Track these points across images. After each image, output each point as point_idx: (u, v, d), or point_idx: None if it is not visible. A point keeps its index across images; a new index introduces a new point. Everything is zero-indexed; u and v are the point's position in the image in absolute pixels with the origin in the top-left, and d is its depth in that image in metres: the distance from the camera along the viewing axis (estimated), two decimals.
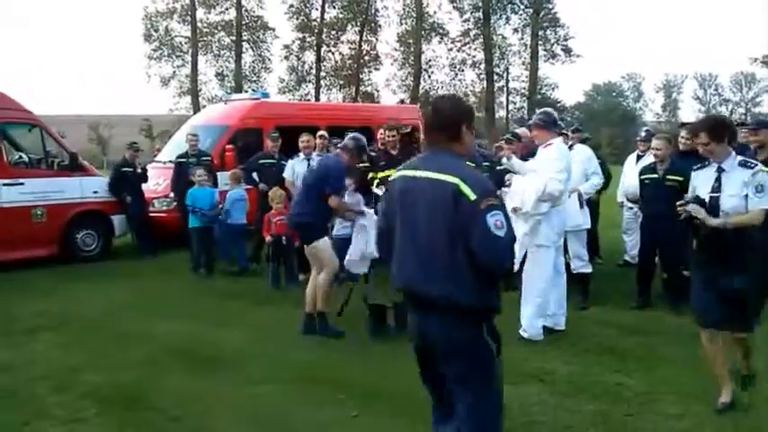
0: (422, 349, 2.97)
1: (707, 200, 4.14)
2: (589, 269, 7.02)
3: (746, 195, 4.06)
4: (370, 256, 6.13)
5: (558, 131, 6.23)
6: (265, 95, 14.64)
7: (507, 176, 6.61)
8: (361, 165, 8.77)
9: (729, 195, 4.09)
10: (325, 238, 6.28)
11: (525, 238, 5.83)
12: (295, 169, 9.04)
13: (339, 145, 6.44)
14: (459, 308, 2.78)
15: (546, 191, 5.73)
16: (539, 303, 5.91)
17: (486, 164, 8.23)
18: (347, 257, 6.31)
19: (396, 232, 2.88)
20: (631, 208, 9.19)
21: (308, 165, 8.93)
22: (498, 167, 7.93)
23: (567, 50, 42.16)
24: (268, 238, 8.24)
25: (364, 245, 6.17)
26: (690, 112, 65.83)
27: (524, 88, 43.61)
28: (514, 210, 5.71)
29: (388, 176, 7.35)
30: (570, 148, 6.84)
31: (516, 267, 6.42)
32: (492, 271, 2.79)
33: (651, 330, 6.04)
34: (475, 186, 2.69)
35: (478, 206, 2.65)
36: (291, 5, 42.68)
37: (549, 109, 6.62)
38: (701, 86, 68.73)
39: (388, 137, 8.53)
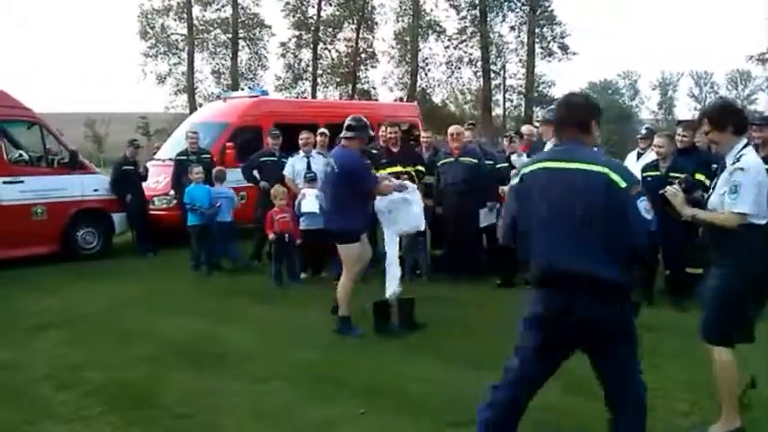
0: (559, 327, 3.18)
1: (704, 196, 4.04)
2: None
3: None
4: (411, 230, 6.50)
5: None
6: (264, 93, 14.64)
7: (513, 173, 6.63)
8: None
9: (717, 193, 3.81)
10: (355, 244, 6.11)
11: None
12: (295, 167, 9.04)
13: (344, 136, 6.27)
14: (613, 286, 3.03)
15: None
16: None
17: (490, 162, 8.25)
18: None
19: (534, 219, 3.14)
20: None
21: (308, 162, 8.93)
22: (500, 165, 7.96)
23: (564, 48, 42.15)
24: (271, 236, 8.22)
25: (404, 220, 6.29)
26: (685, 109, 65.96)
27: (521, 86, 43.57)
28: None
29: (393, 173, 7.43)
30: None
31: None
32: (639, 250, 3.13)
33: (655, 327, 6.01)
34: (623, 175, 3.01)
35: (630, 192, 2.97)
36: (288, 3, 42.58)
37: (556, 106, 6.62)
38: (697, 84, 68.96)
39: (390, 133, 8.55)
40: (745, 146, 3.76)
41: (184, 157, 10.49)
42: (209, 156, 10.80)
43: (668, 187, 4.02)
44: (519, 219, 3.24)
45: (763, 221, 3.69)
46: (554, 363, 3.38)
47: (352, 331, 6.10)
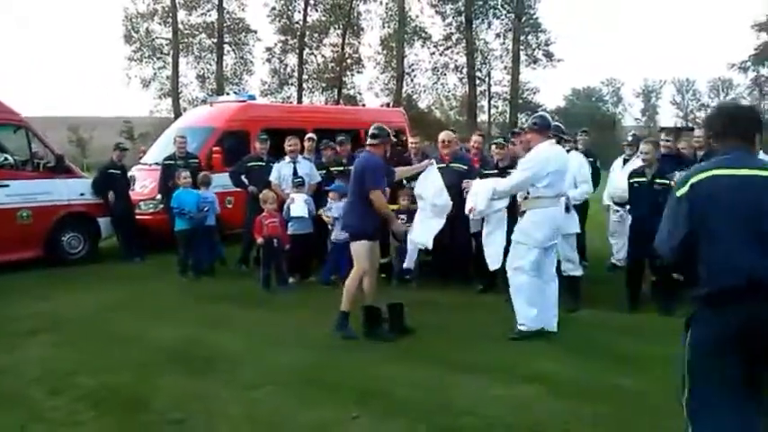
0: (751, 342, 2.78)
1: None
2: (579, 272, 7.11)
3: None
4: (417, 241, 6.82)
5: (553, 135, 6.29)
6: (252, 98, 14.63)
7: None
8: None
9: None
10: (364, 241, 6.21)
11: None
12: (281, 172, 9.06)
13: (369, 143, 6.42)
14: None
15: (497, 189, 6.12)
16: (525, 298, 6.06)
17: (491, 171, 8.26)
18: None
19: (722, 229, 2.88)
20: (617, 211, 9.30)
21: (294, 168, 8.95)
22: (487, 172, 8.00)
23: (549, 55, 42.47)
24: (260, 240, 8.22)
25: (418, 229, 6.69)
26: (668, 116, 66.65)
27: (506, 92, 43.81)
28: (470, 210, 6.23)
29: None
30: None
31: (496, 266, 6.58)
32: None
33: (643, 331, 6.12)
34: None
35: None
36: (273, 8, 42.57)
37: (544, 113, 6.71)
38: (679, 92, 69.61)
39: None
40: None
41: (172, 162, 10.45)
42: (196, 160, 10.77)
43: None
44: (699, 230, 2.91)
45: None
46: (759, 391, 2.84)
47: (347, 330, 6.14)
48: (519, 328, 6.03)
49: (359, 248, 6.24)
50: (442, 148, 8.29)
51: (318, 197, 8.78)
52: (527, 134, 6.30)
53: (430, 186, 6.71)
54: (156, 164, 11.97)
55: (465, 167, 8.17)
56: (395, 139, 8.81)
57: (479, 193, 6.27)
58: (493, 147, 8.01)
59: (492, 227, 6.29)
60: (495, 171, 7.74)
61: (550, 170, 5.96)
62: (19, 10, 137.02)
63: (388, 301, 6.35)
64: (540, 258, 6.09)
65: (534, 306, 6.07)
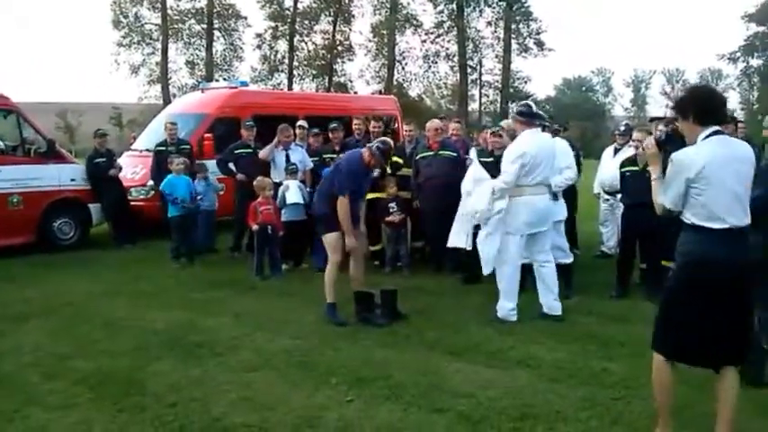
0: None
1: None
2: (570, 259, 7.16)
3: None
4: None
5: (539, 124, 6.33)
6: (244, 84, 14.59)
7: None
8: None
9: None
10: (333, 233, 6.28)
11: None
12: (274, 160, 9.07)
13: (373, 147, 6.33)
14: None
15: (495, 188, 6.13)
16: (503, 288, 6.21)
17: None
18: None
19: None
20: (608, 200, 9.39)
21: (287, 155, 8.97)
22: (484, 160, 8.03)
23: (540, 44, 42.59)
24: (255, 227, 8.23)
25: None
26: (657, 107, 66.97)
27: (497, 81, 43.96)
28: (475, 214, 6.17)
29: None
30: None
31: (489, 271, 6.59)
32: None
33: (632, 318, 6.21)
34: None
35: None
36: None
37: (529, 101, 6.74)
38: (669, 82, 70.01)
39: (374, 127, 8.64)
40: (707, 136, 3.45)
41: (164, 148, 10.44)
42: (188, 146, 10.76)
43: (648, 139, 4.05)
44: None
45: (696, 220, 3.45)
46: None
47: (335, 317, 6.23)
48: (496, 313, 6.23)
49: (329, 240, 6.34)
50: (433, 136, 8.30)
51: (312, 184, 8.80)
52: (514, 123, 6.34)
53: (481, 195, 6.48)
54: (147, 150, 11.96)
55: (454, 154, 8.21)
56: (377, 129, 8.84)
57: (479, 198, 6.31)
58: (489, 135, 8.02)
59: (491, 228, 6.25)
60: (491, 159, 7.77)
61: (529, 159, 6.04)
62: None
63: (381, 288, 6.41)
64: (523, 245, 6.23)
65: (512, 300, 6.23)
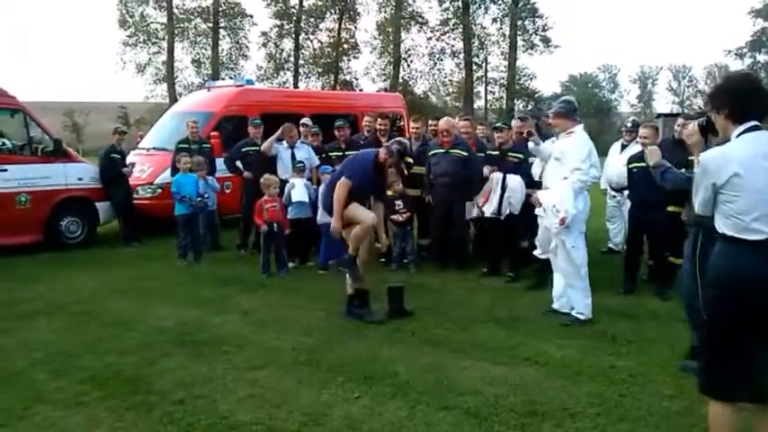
0: None
1: None
2: None
3: None
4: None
5: (578, 120, 6.28)
6: (250, 82, 14.60)
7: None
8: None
9: None
10: (356, 226, 6.10)
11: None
12: (279, 158, 9.08)
13: (392, 147, 6.26)
14: None
15: (575, 188, 5.89)
16: (584, 286, 6.07)
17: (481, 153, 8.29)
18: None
19: None
20: (614, 196, 9.36)
21: (292, 153, 8.98)
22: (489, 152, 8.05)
23: (546, 41, 42.48)
24: (263, 227, 8.21)
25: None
26: (664, 103, 66.72)
27: (503, 78, 43.84)
28: (562, 221, 5.83)
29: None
30: (557, 136, 6.93)
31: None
32: None
33: (639, 315, 6.19)
34: None
35: None
36: None
37: (569, 97, 6.69)
38: (676, 78, 69.58)
39: (381, 125, 8.64)
40: (741, 133, 3.04)
41: (185, 146, 10.43)
42: (209, 145, 10.77)
43: (691, 124, 3.80)
44: None
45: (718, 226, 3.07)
46: None
47: (346, 263, 6.16)
48: (577, 316, 6.04)
49: (349, 214, 6.11)
50: (443, 136, 8.28)
51: (317, 182, 8.81)
52: (553, 119, 6.27)
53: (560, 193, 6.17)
54: (155, 149, 11.99)
55: (465, 153, 8.19)
56: (384, 127, 8.87)
57: (560, 200, 5.95)
58: (494, 131, 8.02)
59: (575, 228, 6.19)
60: (498, 153, 7.78)
61: (593, 155, 6.06)
62: None
63: (388, 285, 6.40)
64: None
65: (589, 296, 6.11)
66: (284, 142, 9.17)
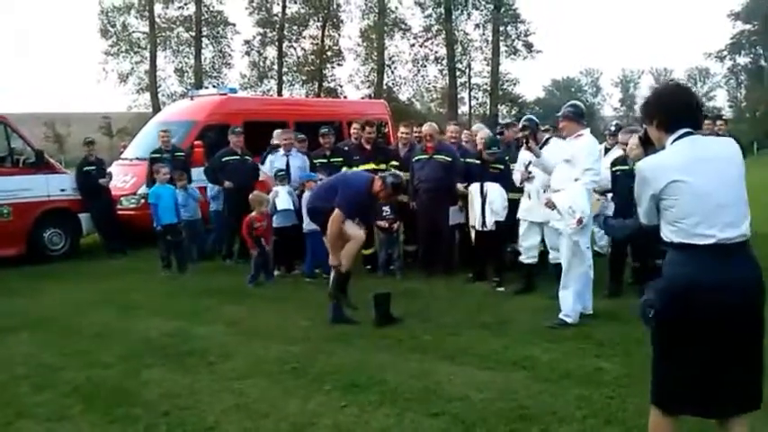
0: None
1: None
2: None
3: None
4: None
5: (585, 124, 6.35)
6: (233, 91, 14.56)
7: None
8: (334, 160, 8.85)
9: None
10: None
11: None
12: (273, 165, 9.04)
13: (387, 180, 6.28)
14: None
15: (587, 189, 5.97)
16: (579, 289, 6.13)
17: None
18: None
19: None
20: (599, 199, 9.39)
21: (287, 161, 8.96)
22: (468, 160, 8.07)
23: (528, 46, 42.71)
24: (255, 252, 8.18)
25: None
26: None
27: (486, 84, 44.01)
28: (580, 221, 5.83)
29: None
30: (546, 142, 6.96)
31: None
32: None
33: (625, 317, 6.19)
34: None
35: None
36: (252, 1, 42.38)
37: (577, 102, 6.76)
38: (657, 81, 70.18)
39: (368, 133, 8.64)
40: (675, 140, 2.95)
41: (158, 156, 10.38)
42: (182, 154, 10.73)
43: (632, 138, 3.79)
44: None
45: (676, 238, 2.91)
46: None
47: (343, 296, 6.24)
48: (564, 318, 6.09)
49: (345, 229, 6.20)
50: (426, 142, 8.29)
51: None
52: (562, 122, 6.32)
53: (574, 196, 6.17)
54: (138, 159, 11.92)
55: (449, 159, 8.20)
56: (371, 135, 8.87)
57: (576, 200, 5.97)
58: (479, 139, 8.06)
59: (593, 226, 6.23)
60: (478, 161, 7.80)
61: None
62: None
63: (374, 292, 6.38)
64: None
65: (581, 301, 6.19)
66: (280, 150, 9.14)
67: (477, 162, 7.82)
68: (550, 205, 6.23)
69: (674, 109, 2.99)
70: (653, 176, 2.91)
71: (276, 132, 9.74)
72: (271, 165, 9.04)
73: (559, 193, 6.18)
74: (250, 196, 8.34)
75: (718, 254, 2.80)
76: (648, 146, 3.31)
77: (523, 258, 7.27)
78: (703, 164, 2.86)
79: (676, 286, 2.86)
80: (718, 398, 2.88)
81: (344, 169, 8.28)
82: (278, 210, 8.34)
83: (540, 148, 6.78)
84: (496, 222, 7.56)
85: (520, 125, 7.17)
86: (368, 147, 8.69)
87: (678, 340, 2.89)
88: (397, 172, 6.52)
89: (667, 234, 2.92)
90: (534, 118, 7.34)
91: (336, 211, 6.06)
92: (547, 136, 7.15)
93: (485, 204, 7.56)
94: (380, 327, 6.12)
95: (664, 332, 2.95)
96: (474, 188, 7.67)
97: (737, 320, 2.81)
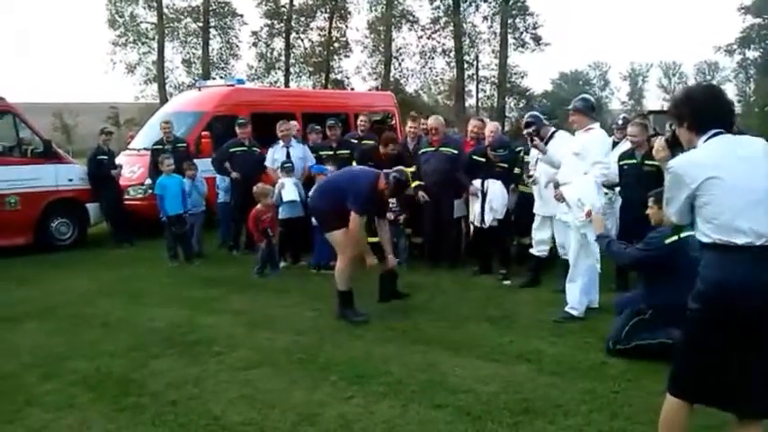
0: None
1: None
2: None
3: None
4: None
5: (596, 117, 6.35)
6: (241, 82, 14.55)
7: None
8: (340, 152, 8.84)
9: None
10: (338, 231, 6.18)
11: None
12: (274, 156, 9.07)
13: (390, 177, 6.20)
14: None
15: (597, 182, 5.98)
16: (585, 282, 6.16)
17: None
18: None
19: None
20: (606, 193, 9.35)
21: (287, 152, 8.97)
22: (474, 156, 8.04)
23: (536, 39, 42.46)
24: (262, 245, 8.22)
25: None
26: (655, 99, 67.00)
27: (494, 76, 43.78)
28: (589, 213, 5.83)
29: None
30: (551, 136, 6.94)
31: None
32: None
33: None
34: None
35: None
36: None
37: (587, 95, 6.75)
38: (666, 75, 70.08)
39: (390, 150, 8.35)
40: (707, 139, 2.96)
41: (160, 147, 10.42)
42: (184, 144, 10.75)
43: (657, 141, 3.79)
44: None
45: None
46: None
47: (352, 313, 6.16)
48: (569, 311, 6.12)
49: (335, 238, 6.24)
50: (432, 135, 8.28)
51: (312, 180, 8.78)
52: (572, 115, 6.32)
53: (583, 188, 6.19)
54: (145, 149, 11.94)
55: (455, 151, 8.19)
56: (385, 125, 8.87)
57: (584, 193, 5.99)
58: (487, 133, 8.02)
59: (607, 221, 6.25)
60: (484, 158, 7.78)
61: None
62: None
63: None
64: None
65: (588, 294, 6.22)
66: (280, 141, 9.16)
67: (482, 160, 7.80)
68: (560, 198, 6.23)
69: (706, 110, 2.97)
70: (687, 174, 2.89)
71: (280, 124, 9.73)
72: (272, 157, 9.05)
73: (568, 186, 6.17)
74: (254, 189, 8.36)
75: (755, 257, 2.77)
76: (676, 148, 3.29)
77: (534, 251, 7.26)
78: (737, 161, 2.85)
79: (709, 284, 2.85)
80: (737, 398, 2.88)
81: (354, 164, 8.26)
82: (284, 201, 8.34)
83: (546, 143, 6.76)
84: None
85: (523, 122, 7.13)
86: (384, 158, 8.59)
87: (708, 340, 2.87)
88: (402, 168, 6.49)
89: (705, 232, 2.88)
90: (538, 114, 7.20)
91: (353, 214, 6.05)
92: (552, 130, 7.10)
93: (485, 202, 7.56)
94: (385, 302, 6.23)
95: (695, 329, 2.94)
96: (476, 184, 7.67)
97: (764, 324, 2.78)
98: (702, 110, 2.98)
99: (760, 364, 2.82)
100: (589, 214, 5.85)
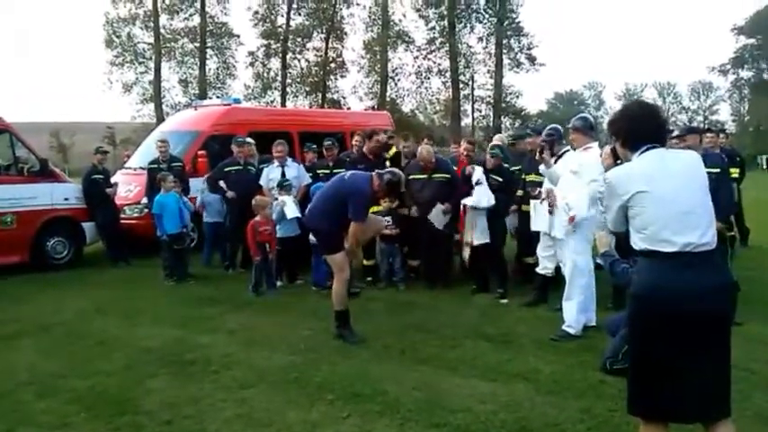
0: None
1: None
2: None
3: None
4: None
5: (595, 137, 6.39)
6: (237, 101, 14.60)
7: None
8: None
9: None
10: (339, 253, 6.15)
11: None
12: (269, 176, 9.08)
13: (384, 177, 6.19)
14: None
15: (591, 197, 5.99)
16: (582, 300, 6.17)
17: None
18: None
19: None
20: (603, 211, 9.39)
21: (282, 171, 8.98)
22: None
23: (531, 59, 42.79)
24: (257, 259, 8.20)
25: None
26: None
27: (489, 96, 44.06)
28: (572, 219, 5.95)
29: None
30: (561, 156, 6.95)
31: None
32: None
33: None
34: None
35: None
36: (256, 12, 42.63)
37: (586, 114, 6.82)
38: (660, 95, 70.47)
39: (375, 142, 8.55)
40: (641, 153, 3.09)
41: (155, 166, 10.44)
42: (180, 164, 10.77)
43: (604, 149, 3.89)
44: None
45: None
46: None
47: (349, 333, 6.12)
48: (566, 330, 6.13)
49: (336, 260, 6.19)
50: (423, 164, 8.24)
51: (308, 199, 8.78)
52: (571, 134, 6.38)
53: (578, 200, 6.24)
54: (141, 168, 11.96)
55: (448, 175, 8.18)
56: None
57: (575, 200, 6.06)
58: (488, 157, 8.00)
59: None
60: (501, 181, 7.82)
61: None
62: None
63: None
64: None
65: (584, 312, 6.23)
66: (275, 161, 9.18)
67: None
68: (545, 195, 6.38)
69: (638, 129, 3.12)
70: (620, 186, 3.04)
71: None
72: (266, 177, 9.07)
73: (563, 190, 6.27)
74: (253, 201, 8.37)
75: (682, 262, 2.90)
76: (619, 157, 3.41)
77: (539, 269, 7.25)
78: (667, 174, 2.99)
79: (642, 291, 2.98)
80: (686, 404, 2.94)
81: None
82: (288, 218, 8.31)
83: (557, 161, 6.79)
84: (494, 234, 7.70)
85: (544, 134, 7.16)
86: (371, 157, 8.68)
87: (646, 345, 2.98)
88: (396, 170, 6.50)
89: (636, 241, 3.02)
90: (559, 128, 7.17)
91: (353, 223, 6.08)
92: (566, 148, 7.12)
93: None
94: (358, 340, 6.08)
95: (636, 336, 3.07)
96: (466, 202, 7.71)
97: (700, 328, 2.88)
98: (635, 128, 3.13)
99: (695, 364, 2.89)
100: (572, 220, 5.92)
